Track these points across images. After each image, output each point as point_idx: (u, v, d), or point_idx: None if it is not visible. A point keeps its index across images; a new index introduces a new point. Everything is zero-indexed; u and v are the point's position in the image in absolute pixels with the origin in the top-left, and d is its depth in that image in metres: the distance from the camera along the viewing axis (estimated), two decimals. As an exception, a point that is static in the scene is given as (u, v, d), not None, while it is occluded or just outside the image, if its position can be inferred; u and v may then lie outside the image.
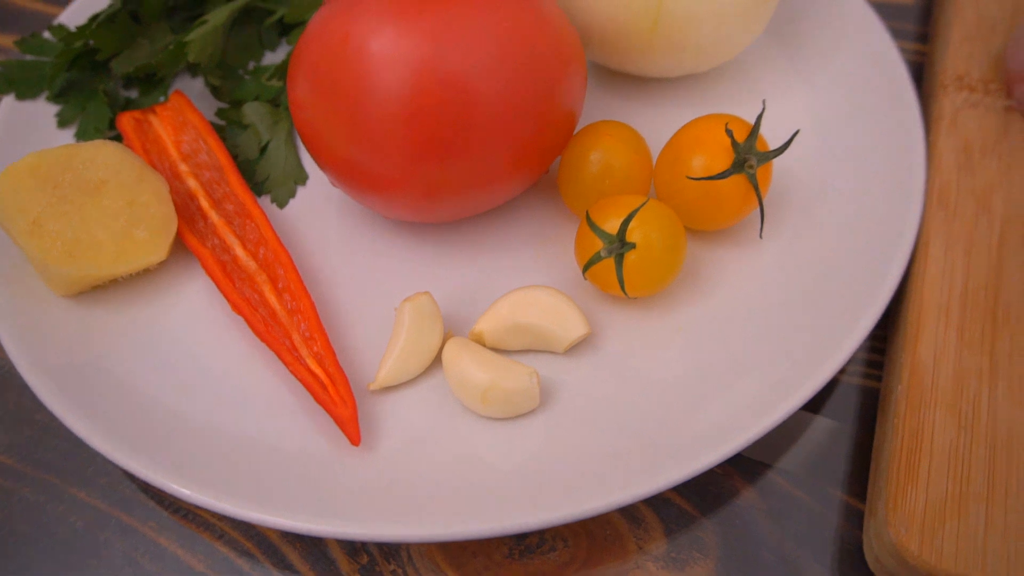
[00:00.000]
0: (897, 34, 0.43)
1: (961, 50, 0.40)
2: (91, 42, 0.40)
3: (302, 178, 0.38)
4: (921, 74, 0.43)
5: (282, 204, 0.38)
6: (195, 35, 0.38)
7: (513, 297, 0.32)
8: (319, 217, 0.37)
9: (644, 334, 0.33)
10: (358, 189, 0.34)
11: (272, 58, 0.43)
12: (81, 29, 0.40)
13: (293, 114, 0.34)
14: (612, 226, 0.31)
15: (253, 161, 0.39)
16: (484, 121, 0.31)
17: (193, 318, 0.34)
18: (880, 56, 0.39)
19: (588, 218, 0.32)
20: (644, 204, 0.31)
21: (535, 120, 0.32)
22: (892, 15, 0.45)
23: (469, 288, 0.35)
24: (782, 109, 0.39)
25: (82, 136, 0.39)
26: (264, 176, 0.38)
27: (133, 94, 0.41)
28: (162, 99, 0.40)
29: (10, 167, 0.33)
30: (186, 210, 0.36)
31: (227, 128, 0.39)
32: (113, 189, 0.34)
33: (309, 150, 0.34)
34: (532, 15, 0.32)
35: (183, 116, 0.39)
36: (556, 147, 0.33)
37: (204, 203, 0.36)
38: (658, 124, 0.39)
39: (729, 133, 0.32)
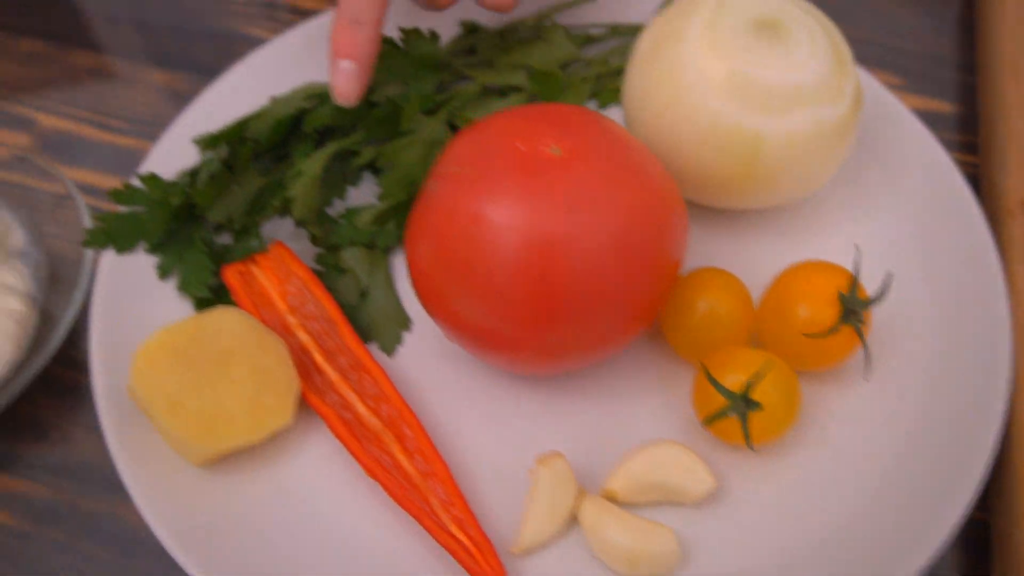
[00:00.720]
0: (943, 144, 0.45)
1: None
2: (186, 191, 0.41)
3: (406, 323, 0.39)
4: (976, 187, 0.45)
5: (390, 351, 0.39)
6: (295, 191, 0.39)
7: (642, 455, 0.33)
8: (428, 364, 0.38)
9: (762, 478, 0.34)
10: (476, 348, 0.35)
11: (358, 195, 0.44)
12: (174, 185, 0.41)
13: (413, 277, 0.35)
14: (732, 382, 0.33)
15: (354, 307, 0.40)
16: (599, 283, 0.32)
17: (321, 477, 0.35)
18: (944, 182, 0.41)
19: (708, 374, 0.33)
20: (767, 365, 0.33)
21: (648, 277, 0.33)
22: (931, 123, 0.47)
23: (587, 438, 0.36)
24: (849, 239, 0.41)
25: (185, 288, 0.40)
26: (367, 321, 0.39)
27: (224, 237, 0.42)
28: (255, 242, 0.41)
29: (143, 347, 0.34)
30: (301, 366, 0.37)
31: (325, 274, 0.40)
32: (239, 357, 0.35)
33: (427, 308, 0.35)
34: (637, 174, 0.33)
35: (286, 266, 0.39)
36: (666, 297, 0.35)
37: (318, 358, 0.37)
38: (741, 253, 0.41)
39: (843, 300, 0.34)
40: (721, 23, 0.36)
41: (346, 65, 0.38)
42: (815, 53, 0.36)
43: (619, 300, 0.33)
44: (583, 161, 0.32)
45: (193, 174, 0.40)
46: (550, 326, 0.33)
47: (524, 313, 0.32)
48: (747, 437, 0.33)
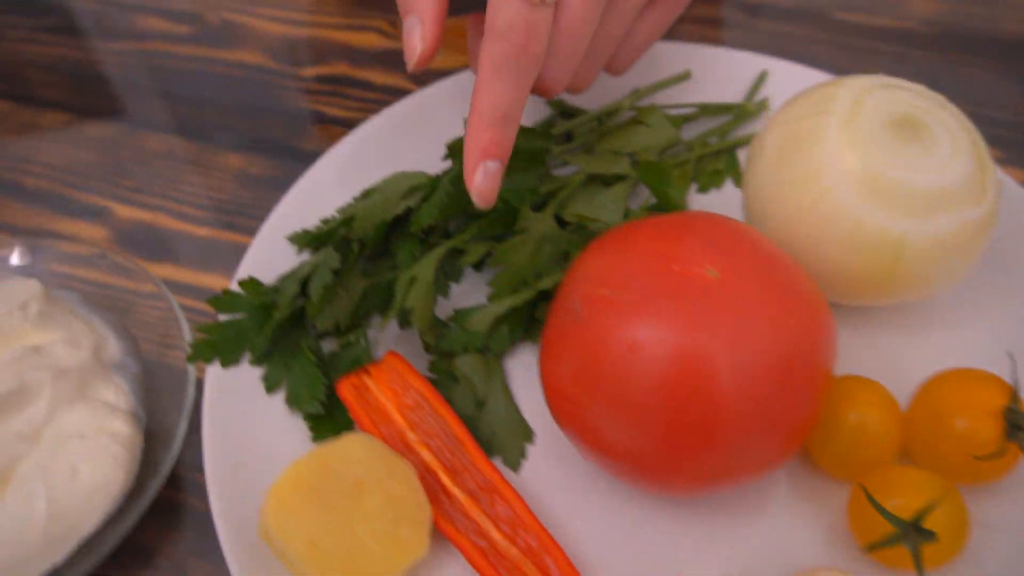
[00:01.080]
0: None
1: None
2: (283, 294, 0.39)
3: (530, 435, 0.38)
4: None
5: (516, 467, 0.37)
6: (414, 301, 0.37)
7: (806, 584, 0.32)
8: (554, 480, 0.37)
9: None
10: (619, 470, 0.33)
11: (464, 295, 0.42)
12: (276, 291, 0.39)
13: (549, 395, 0.34)
14: (898, 507, 0.31)
15: (472, 418, 0.38)
16: (758, 408, 0.31)
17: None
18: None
19: (872, 500, 0.32)
20: (940, 491, 0.31)
21: (805, 398, 0.32)
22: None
23: (735, 562, 0.34)
24: (991, 331, 0.39)
25: (296, 403, 0.38)
26: (488, 434, 0.38)
27: (327, 341, 0.40)
28: (364, 350, 0.39)
29: (274, 487, 0.32)
30: (428, 489, 0.35)
31: (438, 382, 0.39)
32: (370, 487, 0.33)
33: (564, 428, 0.34)
34: (791, 291, 0.32)
35: (402, 378, 0.38)
36: (819, 415, 0.33)
37: (445, 479, 0.35)
38: (876, 351, 0.39)
39: (1009, 415, 0.32)
40: (859, 123, 0.35)
41: (494, 167, 0.35)
42: (957, 151, 0.35)
43: (777, 424, 0.31)
44: (741, 283, 0.31)
45: (303, 281, 0.39)
46: (706, 453, 0.31)
47: (680, 441, 0.31)
48: (919, 567, 0.31)
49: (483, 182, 0.35)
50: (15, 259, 0.44)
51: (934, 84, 0.52)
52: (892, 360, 0.38)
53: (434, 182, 0.42)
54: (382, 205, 0.41)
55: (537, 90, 0.37)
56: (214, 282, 0.46)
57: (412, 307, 0.37)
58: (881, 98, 0.35)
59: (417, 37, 0.35)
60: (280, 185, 0.50)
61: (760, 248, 0.32)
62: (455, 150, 0.42)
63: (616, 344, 0.31)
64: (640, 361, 0.30)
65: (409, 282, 0.38)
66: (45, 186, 0.51)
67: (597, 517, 0.36)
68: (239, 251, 0.47)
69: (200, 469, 0.40)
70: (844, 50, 0.55)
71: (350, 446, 0.33)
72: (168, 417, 0.38)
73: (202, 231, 0.48)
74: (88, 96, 0.56)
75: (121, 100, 0.56)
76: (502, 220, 0.40)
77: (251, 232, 0.48)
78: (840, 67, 0.53)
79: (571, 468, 0.37)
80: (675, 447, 0.31)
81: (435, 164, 0.46)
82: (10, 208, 0.50)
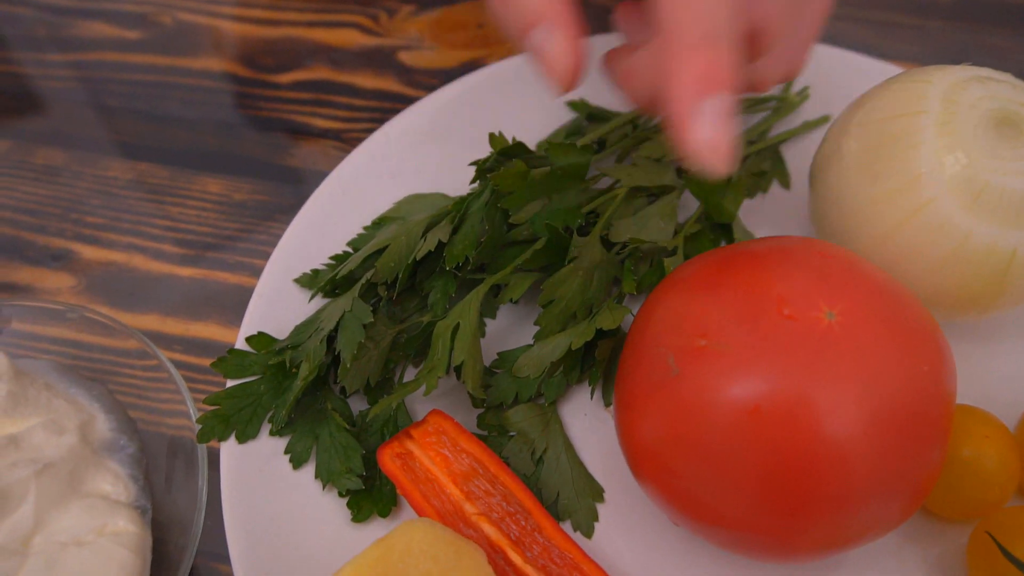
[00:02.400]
0: None
1: None
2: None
3: (599, 494, 0.33)
4: None
5: (589, 533, 0.32)
6: (461, 354, 0.32)
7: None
8: (633, 542, 0.32)
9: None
10: (715, 536, 0.29)
11: (499, 330, 0.37)
12: (296, 348, 0.34)
13: (632, 454, 0.30)
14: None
15: (531, 477, 0.33)
16: (885, 468, 0.27)
17: None
18: None
19: (999, 544, 0.28)
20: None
21: (930, 451, 0.28)
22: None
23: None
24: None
25: (327, 478, 0.33)
26: (552, 495, 0.33)
27: (355, 399, 0.35)
28: (398, 408, 0.34)
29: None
30: (496, 569, 0.31)
31: (489, 439, 0.34)
32: (439, 581, 0.28)
33: (650, 489, 0.30)
34: (914, 330, 0.28)
35: (451, 440, 0.33)
36: (940, 470, 0.29)
37: (515, 557, 0.31)
38: (979, 367, 0.36)
39: None
40: (957, 123, 0.31)
41: (720, 104, 0.24)
42: (1063, 150, 0.31)
43: (906, 479, 0.27)
44: (862, 325, 0.26)
45: (328, 339, 0.33)
46: (827, 520, 0.27)
47: (799, 509, 0.27)
48: (1064, 625, 0.28)
49: (712, 132, 0.24)
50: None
51: (958, 55, 0.49)
52: (991, 377, 0.35)
53: (459, 206, 0.37)
54: (405, 239, 0.36)
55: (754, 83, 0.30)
56: (208, 332, 0.40)
57: (463, 361, 0.32)
58: (976, 93, 0.32)
59: (558, 49, 0.26)
60: (269, 211, 0.45)
61: (874, 280, 0.28)
62: (484, 170, 0.37)
63: (721, 405, 0.26)
64: (752, 424, 0.26)
65: (452, 331, 0.33)
66: (-6, 229, 0.44)
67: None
68: (233, 292, 0.42)
69: (219, 557, 0.34)
70: (865, 24, 0.52)
71: (412, 537, 0.29)
72: (178, 500, 0.33)
73: (186, 271, 0.42)
74: (29, 120, 0.49)
75: (71, 122, 0.49)
76: (546, 255, 0.36)
77: (244, 269, 0.42)
78: (865, 43, 0.50)
79: (648, 530, 0.33)
80: (792, 515, 0.27)
81: (453, 183, 0.41)
82: (-47, 258, 0.43)
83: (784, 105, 0.43)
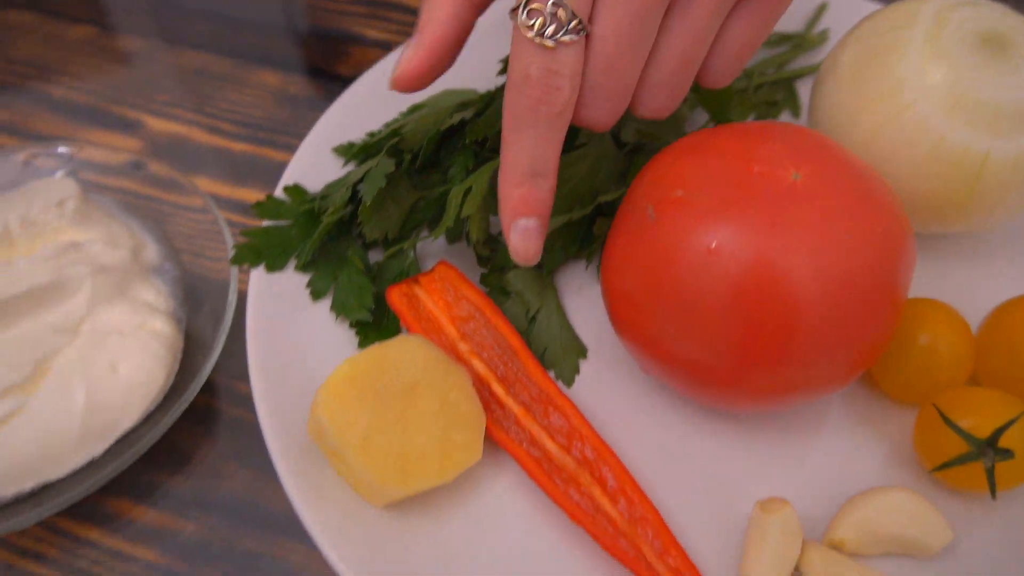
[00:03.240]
0: None
1: None
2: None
3: (583, 352, 0.37)
4: None
5: (569, 382, 0.36)
6: (471, 209, 0.36)
7: (871, 503, 0.31)
8: (609, 396, 0.36)
9: (997, 527, 0.32)
10: (682, 383, 0.32)
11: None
12: (325, 198, 0.38)
13: (611, 304, 0.33)
14: (970, 426, 0.30)
15: (524, 332, 0.37)
16: (836, 320, 0.29)
17: (507, 519, 0.32)
18: None
19: (947, 419, 0.31)
20: (1017, 411, 0.30)
21: (882, 315, 0.31)
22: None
23: (792, 481, 0.33)
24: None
25: (343, 311, 0.36)
26: (540, 349, 0.36)
27: (374, 254, 0.39)
28: (412, 261, 0.38)
29: (329, 380, 0.31)
30: (480, 398, 0.34)
31: (489, 296, 0.38)
32: (425, 390, 0.32)
33: (626, 338, 0.33)
34: (876, 202, 0.30)
35: (455, 288, 0.37)
36: (887, 341, 0.32)
37: (498, 389, 0.34)
38: (948, 279, 0.38)
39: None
40: (943, 37, 0.34)
41: (528, 224, 0.32)
42: (1043, 70, 0.33)
43: (852, 339, 0.30)
44: (825, 188, 0.29)
45: (354, 186, 0.37)
46: (778, 365, 0.30)
47: (752, 350, 0.29)
48: (992, 487, 0.30)
49: (519, 241, 0.32)
50: (49, 163, 0.43)
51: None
52: (962, 287, 0.37)
53: (486, 97, 0.41)
54: (433, 118, 0.40)
55: (586, 126, 0.33)
56: (250, 196, 0.45)
57: (470, 215, 0.36)
58: (966, 15, 0.34)
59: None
60: (318, 105, 0.49)
61: (844, 157, 0.31)
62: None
63: (691, 247, 0.30)
64: (716, 265, 0.29)
65: (464, 192, 0.37)
66: (74, 97, 0.50)
67: (649, 432, 0.35)
68: (276, 167, 0.46)
69: (236, 377, 0.39)
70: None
71: (406, 347, 0.32)
72: (206, 324, 0.37)
73: (238, 146, 0.47)
74: (115, 12, 0.54)
75: (150, 16, 0.54)
76: (558, 135, 0.39)
77: (289, 149, 0.47)
78: None
79: (624, 385, 0.36)
80: (746, 356, 0.30)
81: (482, 83, 0.45)
82: (40, 118, 0.48)
83: (803, 43, 0.46)
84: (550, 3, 0.29)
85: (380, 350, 0.32)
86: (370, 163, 0.38)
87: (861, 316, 0.30)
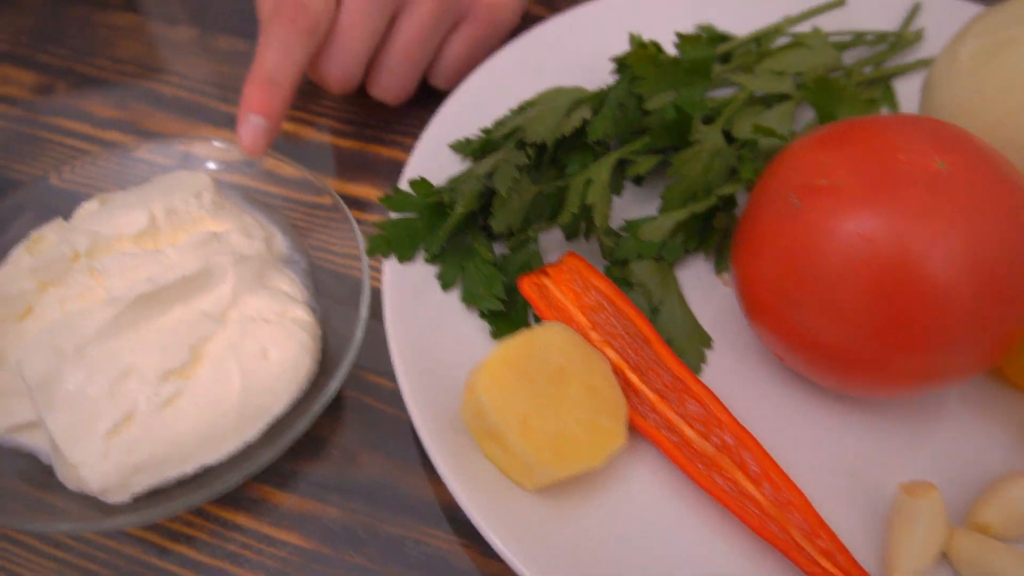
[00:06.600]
0: None
1: None
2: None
3: (707, 341, 0.38)
4: None
5: (696, 371, 0.37)
6: (594, 198, 0.37)
7: (1016, 485, 0.31)
8: (737, 384, 0.36)
9: None
10: (818, 369, 0.33)
11: (623, 209, 0.42)
12: (451, 190, 0.39)
13: (745, 291, 0.34)
14: (1110, 411, 0.31)
15: (648, 323, 0.38)
16: (978, 307, 0.30)
17: (652, 505, 0.33)
18: None
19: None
20: None
21: (1016, 310, 0.31)
22: None
23: (925, 465, 0.34)
24: None
25: (473, 300, 0.38)
26: (666, 339, 0.37)
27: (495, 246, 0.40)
28: (536, 252, 0.39)
29: (486, 364, 0.32)
30: (615, 385, 0.35)
31: (613, 287, 0.39)
32: (571, 376, 0.33)
33: (759, 325, 0.34)
34: (1017, 192, 0.31)
35: (582, 279, 0.38)
36: (1016, 335, 0.33)
37: (632, 377, 0.35)
38: None
39: None
40: (1069, 32, 0.34)
41: (256, 120, 0.39)
42: None
43: (993, 326, 0.31)
44: (970, 176, 0.30)
45: (484, 178, 0.38)
46: (919, 351, 0.31)
47: (894, 336, 0.30)
48: None
49: (247, 133, 0.39)
50: (171, 158, 0.44)
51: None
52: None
53: (598, 96, 0.42)
54: (552, 115, 0.41)
55: (317, 79, 0.43)
56: (362, 191, 0.46)
57: (593, 203, 0.37)
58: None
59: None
60: (425, 106, 0.50)
61: (983, 147, 0.32)
62: (623, 64, 0.42)
63: (837, 234, 0.30)
64: (863, 251, 0.30)
65: (586, 183, 0.38)
66: (184, 96, 0.51)
67: (779, 417, 0.36)
68: (387, 164, 0.47)
69: (366, 368, 0.40)
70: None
71: (552, 333, 0.33)
72: (336, 313, 0.38)
73: (347, 143, 0.48)
74: (211, 11, 0.56)
75: (247, 18, 0.55)
76: (672, 133, 0.40)
77: (399, 147, 0.48)
78: None
79: (752, 372, 0.37)
80: (890, 343, 0.31)
81: (588, 80, 0.46)
82: (153, 116, 0.50)
83: (899, 41, 0.47)
84: None
85: (528, 337, 0.33)
86: (495, 157, 0.39)
87: (1005, 303, 0.30)
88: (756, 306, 0.34)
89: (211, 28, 0.55)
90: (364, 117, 0.49)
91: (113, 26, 0.55)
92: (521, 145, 0.40)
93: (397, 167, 0.47)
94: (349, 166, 0.47)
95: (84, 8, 0.56)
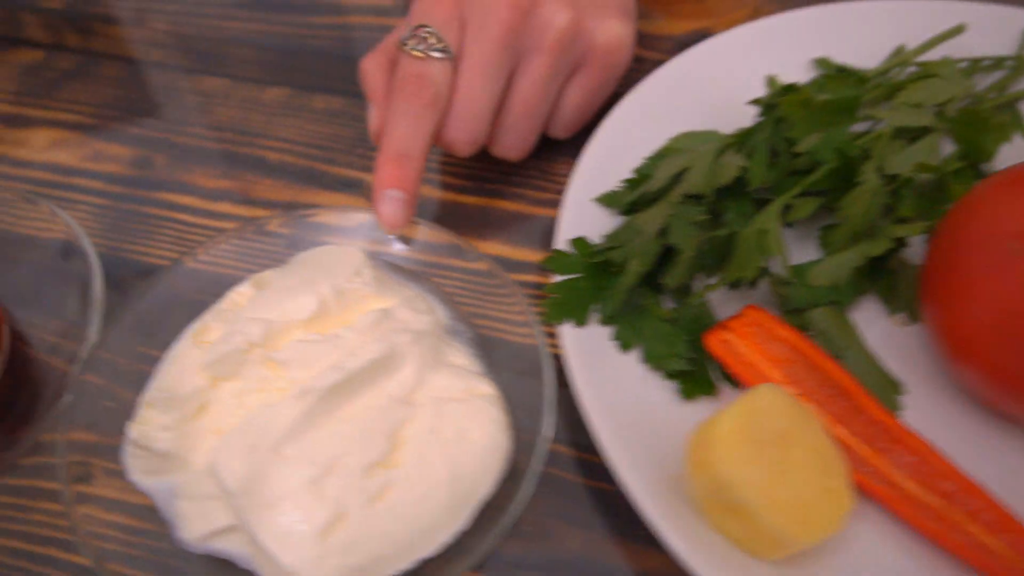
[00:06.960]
0: None
1: None
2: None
3: (898, 387, 0.37)
4: None
5: (894, 419, 0.36)
6: (772, 247, 0.36)
7: None
8: (940, 429, 0.35)
9: None
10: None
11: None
12: (614, 249, 0.38)
13: (951, 340, 0.33)
14: None
15: (834, 372, 0.37)
16: None
17: (887, 566, 0.32)
18: None
19: None
20: None
21: None
22: None
23: None
24: None
25: (654, 361, 0.37)
26: (855, 388, 0.37)
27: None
28: (703, 300, 0.38)
29: (718, 437, 0.31)
30: (823, 441, 0.34)
31: (791, 337, 0.38)
32: (793, 439, 0.32)
33: (970, 367, 0.33)
34: None
35: (766, 331, 0.37)
36: None
37: (840, 431, 0.34)
38: None
39: None
40: None
41: (395, 194, 0.39)
42: None
43: None
44: None
45: (658, 236, 0.37)
46: None
47: None
48: None
49: (386, 209, 0.39)
50: (303, 230, 0.42)
51: None
52: None
53: (740, 139, 0.41)
54: (700, 163, 0.40)
55: (444, 146, 0.42)
56: (495, 249, 0.45)
57: (775, 253, 0.36)
58: None
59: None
60: (538, 155, 0.48)
61: None
62: (768, 106, 0.42)
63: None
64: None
65: (760, 234, 0.37)
66: (290, 160, 0.49)
67: (983, 464, 0.35)
68: (511, 218, 0.46)
69: (551, 439, 0.38)
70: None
71: (766, 397, 0.32)
72: (512, 382, 0.36)
73: (470, 199, 0.47)
74: (304, 72, 0.54)
75: (340, 74, 0.54)
76: (836, 173, 0.39)
77: (520, 200, 0.47)
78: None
79: (949, 418, 0.36)
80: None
81: (712, 122, 0.45)
82: (260, 184, 0.48)
83: (1020, 65, 0.47)
84: (424, 30, 0.39)
85: (747, 403, 0.32)
86: (661, 211, 0.38)
87: None
88: (966, 351, 0.33)
89: (302, 88, 0.53)
90: (481, 173, 0.48)
91: (203, 92, 0.53)
92: (688, 198, 0.39)
93: (524, 221, 0.46)
94: (475, 223, 0.46)
95: (168, 75, 0.54)
